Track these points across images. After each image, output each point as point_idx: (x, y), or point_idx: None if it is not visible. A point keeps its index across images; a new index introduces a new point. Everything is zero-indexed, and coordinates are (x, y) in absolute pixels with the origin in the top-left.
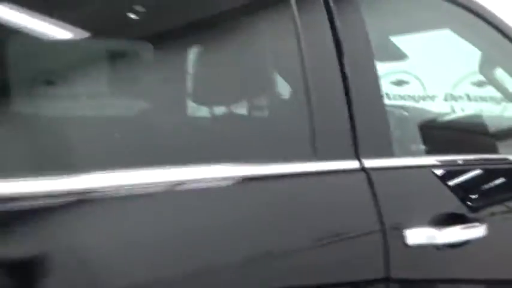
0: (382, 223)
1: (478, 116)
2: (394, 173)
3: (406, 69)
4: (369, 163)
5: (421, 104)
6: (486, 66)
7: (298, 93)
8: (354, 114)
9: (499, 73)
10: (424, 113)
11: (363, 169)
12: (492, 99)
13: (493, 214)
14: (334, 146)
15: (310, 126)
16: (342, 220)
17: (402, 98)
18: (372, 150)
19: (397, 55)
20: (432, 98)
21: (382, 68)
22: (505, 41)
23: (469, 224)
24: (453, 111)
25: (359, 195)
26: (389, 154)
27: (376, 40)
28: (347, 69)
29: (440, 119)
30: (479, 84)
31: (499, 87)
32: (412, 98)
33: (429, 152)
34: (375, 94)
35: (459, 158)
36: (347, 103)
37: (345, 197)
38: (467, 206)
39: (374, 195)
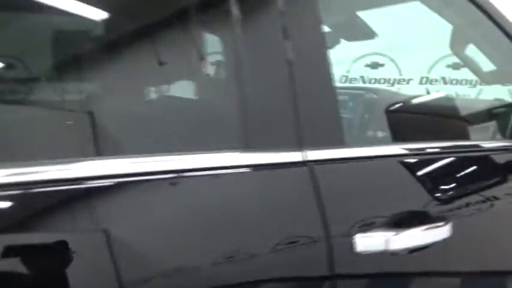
0: (326, 227)
1: (450, 99)
2: (344, 166)
3: (380, 51)
4: (313, 155)
5: (396, 88)
6: (457, 43)
7: (229, 74)
8: (297, 99)
9: (472, 50)
10: (395, 96)
11: (306, 162)
12: (468, 82)
13: (461, 210)
14: (270, 134)
15: (240, 110)
16: (276, 224)
17: (377, 81)
18: (319, 139)
19: (366, 33)
20: (407, 81)
21: (355, 49)
22: (479, 14)
23: (432, 225)
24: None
25: (298, 193)
26: (341, 143)
27: (341, 17)
28: (290, 52)
29: (408, 102)
30: (455, 66)
31: (471, 65)
32: (388, 81)
33: (395, 138)
34: (325, 79)
35: (425, 146)
36: (289, 87)
37: (280, 195)
38: (431, 202)
39: (317, 193)
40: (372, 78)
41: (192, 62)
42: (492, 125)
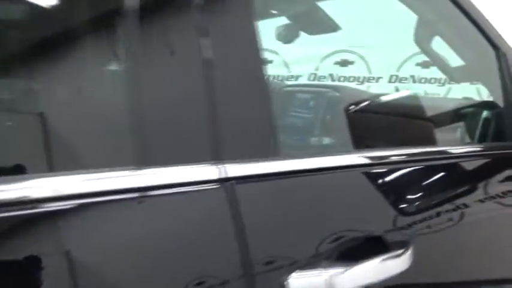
0: (247, 265)
1: (415, 98)
2: (277, 184)
3: (349, 47)
4: (235, 169)
5: (366, 86)
6: (423, 35)
7: (126, 76)
8: (215, 103)
9: (438, 43)
10: (358, 94)
11: (224, 179)
12: (437, 80)
13: (424, 232)
14: (177, 145)
15: (137, 118)
16: (178, 262)
17: (347, 79)
18: (245, 150)
19: (328, 26)
20: (377, 79)
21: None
22: (447, 3)
23: (389, 254)
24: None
25: (210, 219)
26: (276, 154)
27: (299, 8)
28: (207, 51)
29: (371, 101)
30: (424, 65)
31: (437, 60)
32: (357, 79)
33: (356, 142)
34: (254, 80)
35: (386, 153)
36: (205, 90)
37: (185, 224)
38: (388, 225)
39: (237, 219)
40: (341, 76)
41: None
42: (460, 126)
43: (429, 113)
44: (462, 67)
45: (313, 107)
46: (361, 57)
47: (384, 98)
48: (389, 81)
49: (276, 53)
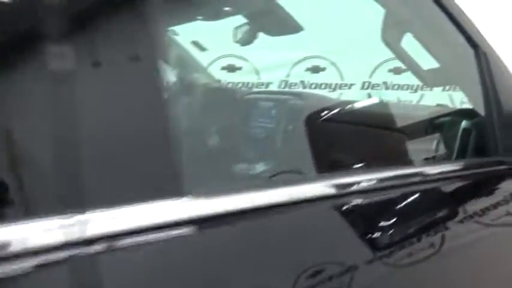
0: None
1: (385, 106)
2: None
3: (321, 54)
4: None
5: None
6: (391, 30)
7: None
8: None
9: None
10: (323, 102)
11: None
12: (409, 87)
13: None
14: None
15: None
16: None
17: (318, 86)
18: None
19: (290, 27)
20: (349, 86)
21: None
22: None
23: None
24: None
25: None
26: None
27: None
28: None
29: (335, 111)
30: (396, 71)
31: (407, 61)
32: (329, 86)
33: (317, 158)
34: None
35: (347, 180)
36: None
37: None
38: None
39: None
40: (312, 83)
41: None
42: (436, 138)
43: (401, 123)
44: (436, 69)
45: (275, 117)
46: (333, 64)
47: (350, 107)
48: (362, 88)
49: (244, 59)
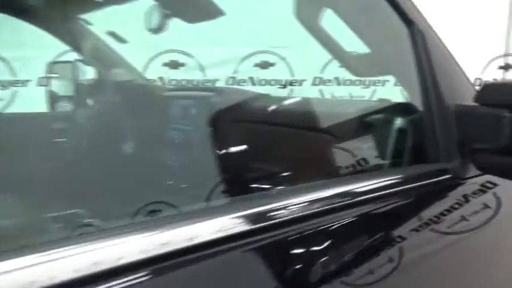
0: None
1: (308, 103)
2: None
3: (270, 48)
4: None
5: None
6: (306, 5)
7: None
8: None
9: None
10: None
11: None
12: (361, 82)
13: None
14: None
15: None
16: None
17: (268, 82)
18: None
19: (208, 12)
20: (300, 82)
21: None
22: None
23: None
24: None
25: None
26: None
27: None
28: None
29: (249, 108)
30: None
31: (327, 43)
32: (279, 82)
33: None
34: None
35: (253, 210)
36: None
37: None
38: None
39: None
40: (262, 80)
41: None
42: (367, 140)
43: (327, 122)
44: (367, 55)
45: (196, 117)
46: (283, 59)
47: (266, 103)
48: (313, 84)
49: (189, 55)
